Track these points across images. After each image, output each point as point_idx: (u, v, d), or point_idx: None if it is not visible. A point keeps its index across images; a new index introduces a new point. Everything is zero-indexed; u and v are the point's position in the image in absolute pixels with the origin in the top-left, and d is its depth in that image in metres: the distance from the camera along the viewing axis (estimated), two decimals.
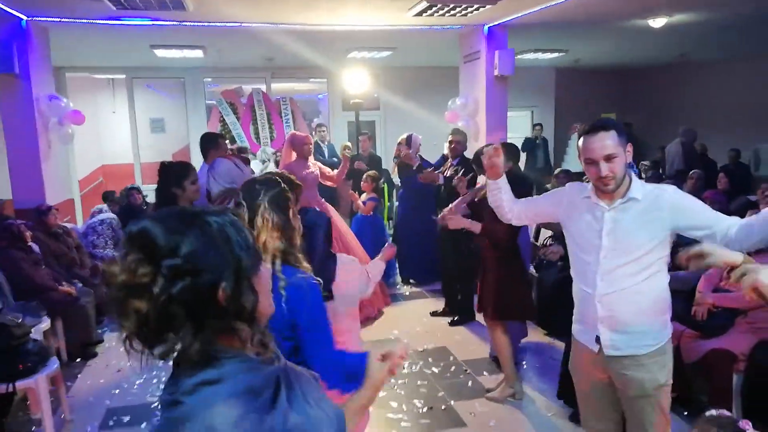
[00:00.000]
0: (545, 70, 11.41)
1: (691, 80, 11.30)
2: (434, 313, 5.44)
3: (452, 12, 5.51)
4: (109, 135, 11.15)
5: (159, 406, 0.82)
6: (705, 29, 7.13)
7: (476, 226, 3.54)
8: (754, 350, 3.27)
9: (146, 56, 8.14)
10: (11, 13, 5.39)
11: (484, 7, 5.29)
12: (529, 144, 10.46)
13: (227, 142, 6.33)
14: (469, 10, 5.42)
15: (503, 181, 2.53)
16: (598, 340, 2.25)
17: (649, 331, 2.21)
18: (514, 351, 3.94)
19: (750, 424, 1.61)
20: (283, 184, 1.90)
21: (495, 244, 3.58)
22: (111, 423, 3.69)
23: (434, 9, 5.36)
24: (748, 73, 10.04)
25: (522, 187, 3.23)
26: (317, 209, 2.80)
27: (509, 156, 3.61)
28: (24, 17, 5.55)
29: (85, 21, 5.81)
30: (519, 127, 12.23)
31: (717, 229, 2.06)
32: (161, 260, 0.89)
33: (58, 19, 5.72)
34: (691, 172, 6.07)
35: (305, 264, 1.86)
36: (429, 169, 5.65)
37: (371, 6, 5.42)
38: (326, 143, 8.03)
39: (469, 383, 4.06)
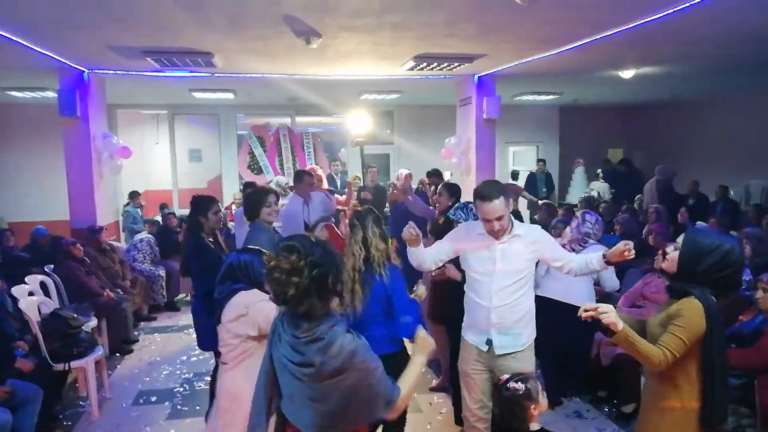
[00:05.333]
0: (549, 108, 12.15)
1: (683, 119, 11.90)
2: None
3: (439, 68, 6.44)
4: (152, 163, 12.31)
5: (294, 345, 1.76)
6: (673, 78, 7.88)
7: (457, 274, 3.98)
8: None
9: (185, 96, 9.35)
10: (75, 67, 6.58)
11: (462, 64, 6.20)
12: (532, 179, 11.19)
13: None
14: (451, 66, 6.35)
15: (420, 249, 3.04)
16: (489, 342, 2.96)
17: (524, 332, 3.00)
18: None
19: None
20: (375, 212, 3.15)
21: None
22: (141, 401, 4.64)
23: (421, 66, 6.31)
24: (738, 111, 10.58)
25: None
26: None
27: (451, 194, 4.46)
28: (86, 70, 6.74)
29: (135, 73, 6.97)
30: (525, 161, 12.94)
31: (565, 262, 3.00)
32: (307, 257, 1.69)
33: (113, 71, 6.90)
34: (650, 206, 6.73)
35: (394, 254, 3.12)
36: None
37: (369, 62, 6.39)
38: (338, 176, 9.03)
39: (433, 381, 4.84)
